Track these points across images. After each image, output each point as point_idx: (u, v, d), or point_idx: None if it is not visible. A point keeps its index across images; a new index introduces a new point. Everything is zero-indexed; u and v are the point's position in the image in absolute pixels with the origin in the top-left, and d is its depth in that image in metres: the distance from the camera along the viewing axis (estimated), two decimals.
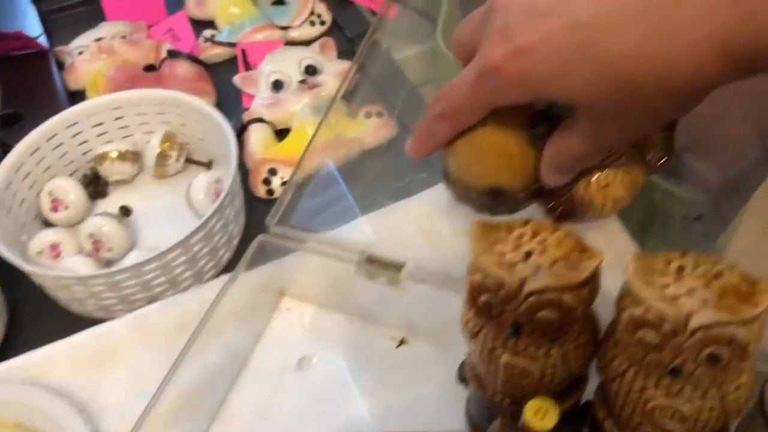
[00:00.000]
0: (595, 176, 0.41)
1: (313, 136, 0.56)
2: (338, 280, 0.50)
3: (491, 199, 0.43)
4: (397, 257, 0.46)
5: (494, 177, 0.42)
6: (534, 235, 0.34)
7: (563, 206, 0.43)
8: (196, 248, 0.56)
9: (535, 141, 0.40)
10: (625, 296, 0.32)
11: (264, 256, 0.50)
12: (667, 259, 0.32)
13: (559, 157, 0.37)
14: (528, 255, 0.33)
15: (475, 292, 0.34)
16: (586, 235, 0.51)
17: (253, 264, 0.50)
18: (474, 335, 0.37)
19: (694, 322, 0.30)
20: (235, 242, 0.61)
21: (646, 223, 0.51)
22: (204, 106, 0.63)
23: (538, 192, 0.44)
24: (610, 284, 0.35)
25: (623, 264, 0.32)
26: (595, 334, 0.37)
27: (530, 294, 0.32)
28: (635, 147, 0.41)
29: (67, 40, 0.80)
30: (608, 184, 0.41)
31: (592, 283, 0.33)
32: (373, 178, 0.57)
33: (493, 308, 0.34)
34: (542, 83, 0.32)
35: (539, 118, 0.41)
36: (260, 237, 0.49)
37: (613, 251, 0.51)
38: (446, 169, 0.45)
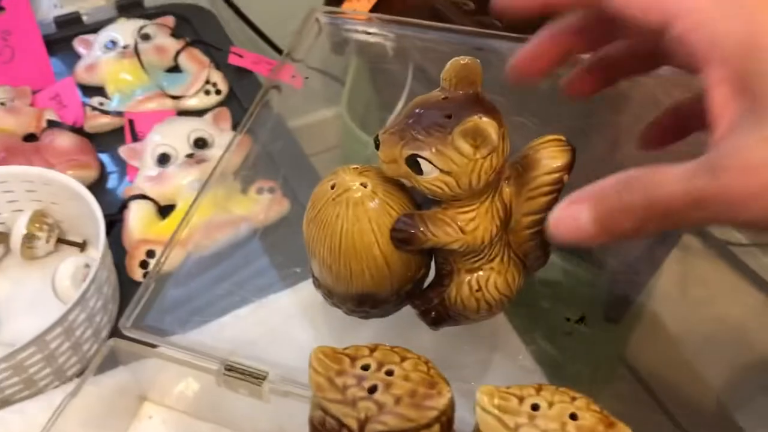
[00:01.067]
0: (467, 279, 0.38)
1: (185, 218, 0.52)
2: (203, 387, 0.46)
3: (358, 305, 0.40)
4: (260, 365, 0.42)
5: (358, 283, 0.39)
6: (380, 366, 0.30)
7: (436, 311, 0.41)
8: (53, 345, 0.51)
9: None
10: None
11: (118, 359, 0.46)
12: (520, 396, 0.29)
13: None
14: (372, 390, 0.30)
15: (316, 431, 0.30)
16: (474, 331, 0.49)
17: (106, 368, 0.45)
18: None
19: None
20: (104, 333, 0.56)
21: (531, 321, 0.49)
22: (74, 184, 0.59)
23: (409, 295, 0.42)
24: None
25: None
26: None
27: None
28: (509, 248, 0.39)
29: None
30: (480, 288, 0.38)
31: (442, 419, 0.30)
32: (246, 268, 0.53)
33: None
34: None
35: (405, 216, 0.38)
36: (110, 342, 0.44)
37: (500, 349, 0.49)
38: (311, 271, 0.42)
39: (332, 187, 0.38)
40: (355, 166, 0.39)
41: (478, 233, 0.36)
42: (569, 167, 0.36)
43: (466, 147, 0.33)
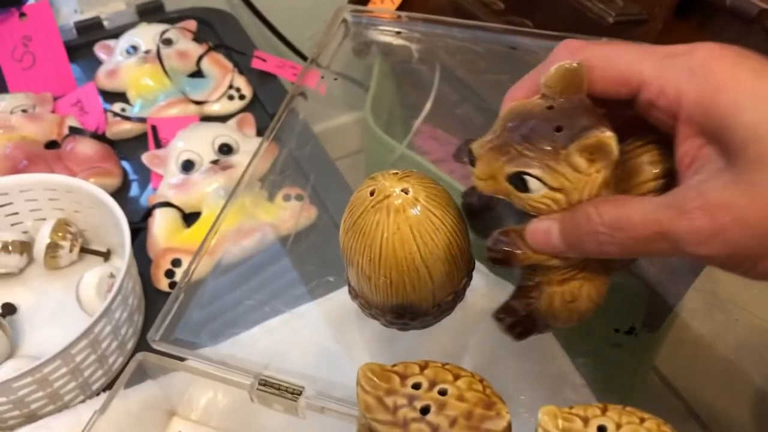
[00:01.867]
0: (559, 291, 0.35)
1: (213, 227, 0.50)
2: (234, 402, 0.44)
3: (397, 317, 0.38)
4: (295, 380, 0.40)
5: (398, 294, 0.37)
6: (432, 385, 0.28)
7: (523, 324, 0.38)
8: (79, 358, 0.50)
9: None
10: None
11: (147, 373, 0.44)
12: (585, 417, 0.27)
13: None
14: (425, 411, 0.28)
15: None
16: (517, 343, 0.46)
17: (134, 382, 0.44)
18: None
19: None
20: (130, 346, 0.55)
21: (577, 332, 0.46)
22: (97, 191, 0.57)
23: (453, 303, 0.40)
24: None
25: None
26: None
27: None
28: None
29: None
30: (574, 299, 0.35)
31: None
32: (276, 278, 0.51)
33: None
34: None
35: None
36: (139, 356, 0.43)
37: (544, 362, 0.47)
38: (348, 280, 0.40)
39: (371, 194, 0.36)
40: (395, 171, 0.37)
41: None
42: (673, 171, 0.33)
43: (583, 163, 0.30)
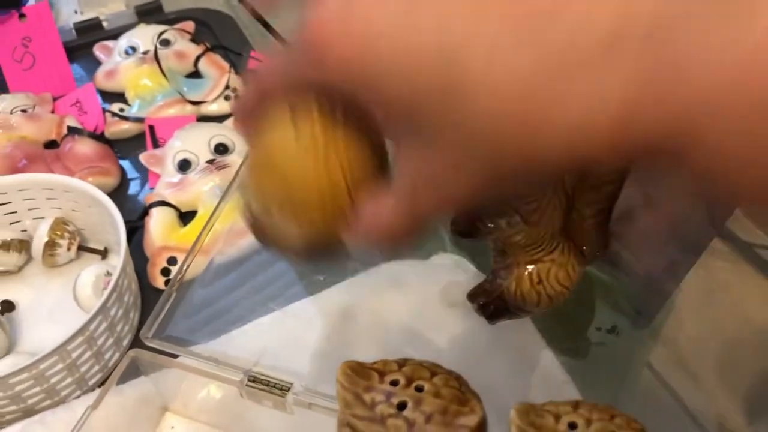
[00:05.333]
0: (527, 271, 0.37)
1: (207, 225, 0.51)
2: (225, 398, 0.45)
3: (308, 258, 0.33)
4: (284, 376, 0.41)
5: (304, 232, 0.30)
6: (409, 382, 0.29)
7: (494, 304, 0.39)
8: (75, 354, 0.51)
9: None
10: None
11: (140, 370, 0.45)
12: (556, 413, 0.28)
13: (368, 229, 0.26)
14: (402, 407, 0.29)
15: None
16: (502, 341, 0.47)
17: (127, 378, 0.45)
18: None
19: None
20: (126, 342, 0.56)
21: (560, 330, 0.47)
22: (94, 191, 0.58)
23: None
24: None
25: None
26: None
27: None
28: (569, 238, 0.37)
29: None
30: (542, 280, 0.36)
31: None
32: (268, 276, 0.52)
33: None
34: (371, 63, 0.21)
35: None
36: (132, 353, 0.44)
37: (528, 360, 0.48)
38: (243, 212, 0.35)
39: None
40: None
41: (542, 223, 0.34)
42: None
43: None
